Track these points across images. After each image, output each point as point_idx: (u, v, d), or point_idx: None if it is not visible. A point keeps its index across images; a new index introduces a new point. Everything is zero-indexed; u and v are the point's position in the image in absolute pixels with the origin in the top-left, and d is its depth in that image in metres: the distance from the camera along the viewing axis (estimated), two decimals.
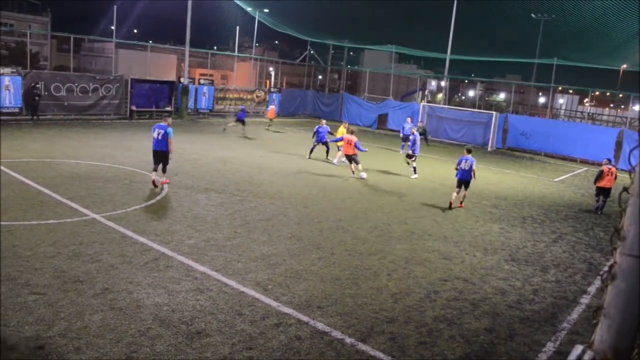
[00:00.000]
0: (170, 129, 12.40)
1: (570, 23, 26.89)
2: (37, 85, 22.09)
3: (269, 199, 12.28)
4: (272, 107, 28.43)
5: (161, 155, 12.37)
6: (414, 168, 17.12)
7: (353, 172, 16.09)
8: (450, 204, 13.11)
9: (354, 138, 15.98)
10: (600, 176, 14.19)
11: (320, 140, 18.78)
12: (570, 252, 10.57)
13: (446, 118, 30.24)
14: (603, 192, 14.27)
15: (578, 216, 13.99)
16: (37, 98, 21.94)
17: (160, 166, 12.42)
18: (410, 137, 17.77)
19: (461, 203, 13.39)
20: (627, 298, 1.89)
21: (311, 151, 19.00)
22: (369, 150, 21.13)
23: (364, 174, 16.06)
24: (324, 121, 19.33)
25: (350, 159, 16.25)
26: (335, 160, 18.30)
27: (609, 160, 14.66)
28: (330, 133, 19.21)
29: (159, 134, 12.28)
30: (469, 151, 13.16)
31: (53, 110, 22.92)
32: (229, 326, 6.07)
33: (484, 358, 6.02)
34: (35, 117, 21.94)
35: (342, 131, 18.67)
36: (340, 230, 10.33)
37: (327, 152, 19.14)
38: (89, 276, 7.10)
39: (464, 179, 12.86)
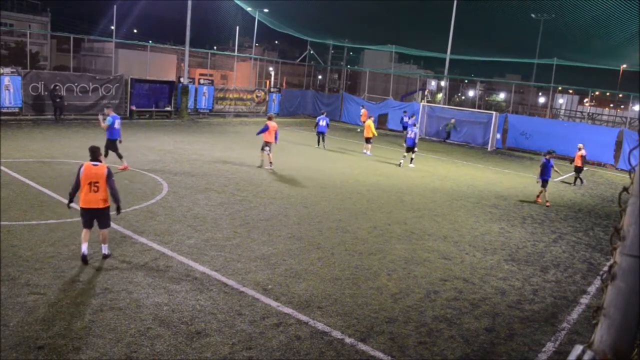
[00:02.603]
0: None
1: (571, 22, 26.89)
2: (57, 87, 22.36)
3: (269, 199, 12.28)
4: (364, 111, 27.82)
5: (116, 143, 13.77)
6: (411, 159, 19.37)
7: (271, 163, 16.12)
8: (537, 197, 15.22)
9: (274, 124, 16.55)
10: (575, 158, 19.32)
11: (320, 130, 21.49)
12: (570, 252, 10.57)
13: (446, 118, 30.21)
14: (576, 170, 19.13)
15: (578, 216, 13.99)
16: (58, 100, 22.30)
17: (116, 153, 13.70)
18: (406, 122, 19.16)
19: (547, 201, 14.76)
20: (627, 298, 1.89)
21: (318, 142, 21.67)
22: (369, 151, 21.21)
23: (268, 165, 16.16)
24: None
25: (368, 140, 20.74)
26: (368, 152, 20.99)
27: (582, 146, 19.09)
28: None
29: (119, 124, 13.88)
30: (549, 153, 15.08)
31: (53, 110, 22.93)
32: (229, 326, 6.07)
33: (484, 358, 6.02)
34: (58, 117, 22.22)
35: (368, 123, 21.01)
36: (340, 230, 10.33)
37: (321, 141, 21.59)
38: (89, 276, 7.11)
39: (543, 178, 14.81)
